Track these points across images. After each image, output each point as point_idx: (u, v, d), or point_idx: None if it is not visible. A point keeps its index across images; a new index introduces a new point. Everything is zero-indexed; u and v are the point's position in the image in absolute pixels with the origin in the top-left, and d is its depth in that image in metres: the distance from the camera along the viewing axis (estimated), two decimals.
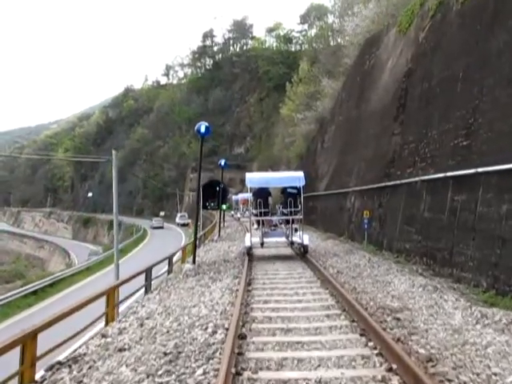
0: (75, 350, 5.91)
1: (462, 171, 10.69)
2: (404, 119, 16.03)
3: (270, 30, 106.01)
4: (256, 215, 15.02)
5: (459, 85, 12.03)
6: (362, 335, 5.80)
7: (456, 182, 11.01)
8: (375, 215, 16.93)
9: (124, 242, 55.17)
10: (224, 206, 37.33)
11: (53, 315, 5.61)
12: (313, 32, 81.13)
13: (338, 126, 28.16)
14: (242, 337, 5.83)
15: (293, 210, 14.58)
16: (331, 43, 47.93)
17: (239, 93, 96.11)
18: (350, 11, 31.97)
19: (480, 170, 9.84)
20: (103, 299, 7.30)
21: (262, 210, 14.85)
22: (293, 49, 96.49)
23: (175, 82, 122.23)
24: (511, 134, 9.13)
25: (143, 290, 9.99)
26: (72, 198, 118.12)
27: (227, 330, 5.92)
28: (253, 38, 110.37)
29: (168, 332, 6.07)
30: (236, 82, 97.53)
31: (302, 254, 14.21)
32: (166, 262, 12.65)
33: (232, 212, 50.73)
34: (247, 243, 14.35)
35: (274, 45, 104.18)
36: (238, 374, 4.68)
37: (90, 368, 5.03)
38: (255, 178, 15.83)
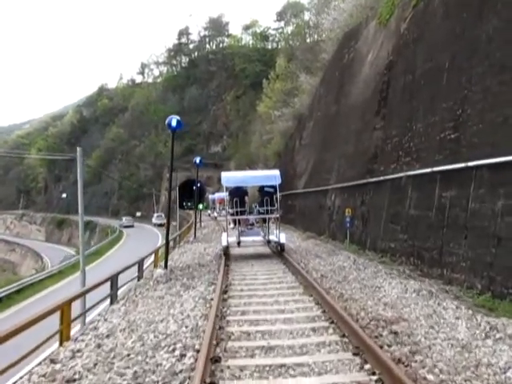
0: None
1: (450, 166, 10.06)
2: (386, 113, 15.44)
3: (246, 28, 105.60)
4: (232, 214, 14.99)
5: (445, 75, 11.42)
6: (355, 354, 5.00)
7: (444, 178, 10.38)
8: (357, 213, 16.30)
9: (99, 244, 54.08)
10: (200, 206, 36.62)
11: None
12: (289, 29, 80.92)
13: (317, 122, 27.56)
14: (216, 360, 4.96)
15: (269, 208, 14.54)
16: (308, 40, 47.52)
17: (215, 91, 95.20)
18: (327, 8, 31.57)
19: (471, 164, 9.21)
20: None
21: (239, 209, 14.76)
22: (269, 46, 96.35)
23: (150, 80, 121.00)
24: (505, 124, 8.51)
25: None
26: (46, 199, 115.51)
27: (198, 352, 5.06)
28: (229, 35, 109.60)
29: (128, 356, 5.17)
30: (212, 80, 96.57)
31: (278, 252, 14.09)
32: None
33: (209, 211, 50.99)
34: (224, 242, 14.27)
35: (251, 42, 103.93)
36: None
37: None
38: (231, 178, 15.69)
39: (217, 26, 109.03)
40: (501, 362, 4.47)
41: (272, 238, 14.89)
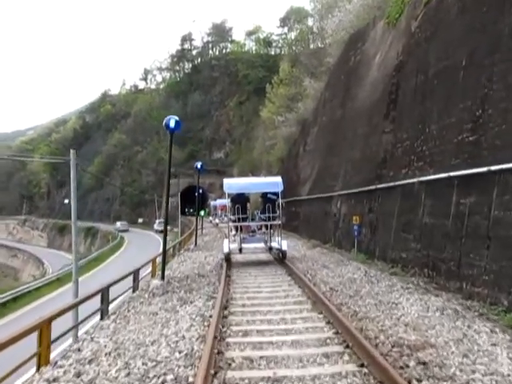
0: None
1: (469, 170, 9.30)
2: (396, 116, 14.76)
3: (249, 34, 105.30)
4: (234, 221, 15.02)
5: (462, 73, 10.70)
6: None
7: (463, 183, 9.61)
8: (365, 221, 15.55)
9: (99, 250, 53.58)
10: (202, 212, 36.02)
11: None
12: (293, 35, 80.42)
13: (322, 127, 26.90)
14: None
15: (271, 215, 14.56)
16: (311, 46, 47.02)
17: (218, 97, 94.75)
18: (331, 14, 31.05)
19: (494, 168, 8.45)
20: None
21: (241, 216, 14.83)
22: (272, 52, 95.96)
23: (153, 86, 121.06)
24: None
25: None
26: (48, 205, 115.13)
27: None
28: (232, 41, 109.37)
29: None
30: (215, 86, 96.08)
31: (282, 261, 13.98)
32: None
33: (210, 218, 50.59)
34: (226, 249, 14.33)
35: (254, 48, 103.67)
36: None
37: None
38: (233, 184, 15.73)
39: (220, 32, 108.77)
40: None
41: (274, 244, 14.78)
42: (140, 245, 47.20)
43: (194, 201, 57.76)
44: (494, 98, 9.09)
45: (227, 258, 14.43)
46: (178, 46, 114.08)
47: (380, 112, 16.02)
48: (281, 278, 11.37)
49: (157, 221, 69.05)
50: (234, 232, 15.67)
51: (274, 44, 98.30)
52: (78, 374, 4.90)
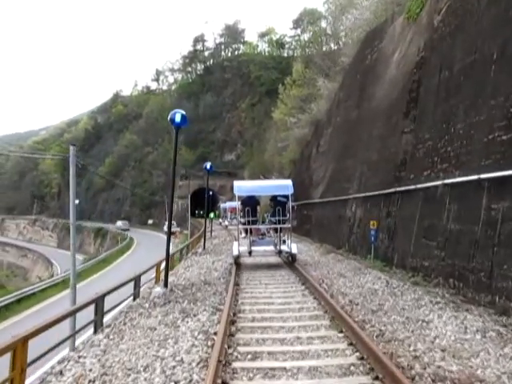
0: None
1: (503, 172, 8.42)
2: (417, 115, 13.93)
3: (262, 35, 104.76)
4: (244, 224, 15.06)
5: (493, 68, 9.82)
6: None
7: (495, 186, 8.74)
8: (382, 226, 14.71)
9: (108, 251, 53.39)
10: (212, 215, 35.46)
11: None
12: (306, 37, 79.71)
13: (336, 128, 26.07)
14: None
15: (281, 218, 14.51)
16: (324, 48, 46.33)
17: (230, 98, 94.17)
18: (346, 14, 30.38)
19: None
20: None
21: (250, 219, 14.80)
22: (285, 54, 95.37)
23: (165, 87, 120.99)
24: None
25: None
26: (59, 205, 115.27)
27: None
28: (245, 42, 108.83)
29: None
30: (227, 88, 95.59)
31: (294, 267, 13.65)
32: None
33: (220, 220, 50.70)
34: (235, 252, 14.44)
35: (266, 50, 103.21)
36: None
37: None
38: (243, 187, 15.67)
39: (232, 33, 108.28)
40: None
41: (284, 248, 14.67)
42: (149, 246, 46.70)
43: (204, 203, 57.45)
44: None
45: (236, 261, 14.61)
46: (190, 47, 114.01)
47: (399, 111, 15.22)
48: (294, 287, 10.48)
49: (166, 222, 68.67)
50: (243, 235, 15.51)
51: (286, 46, 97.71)
52: None
